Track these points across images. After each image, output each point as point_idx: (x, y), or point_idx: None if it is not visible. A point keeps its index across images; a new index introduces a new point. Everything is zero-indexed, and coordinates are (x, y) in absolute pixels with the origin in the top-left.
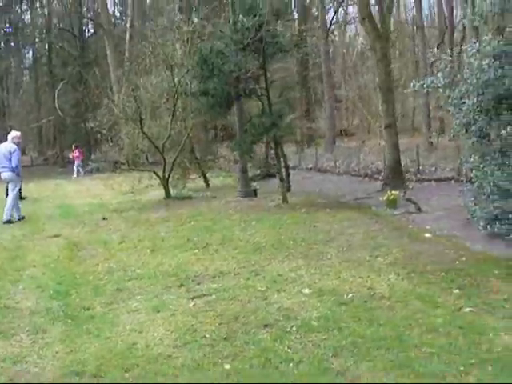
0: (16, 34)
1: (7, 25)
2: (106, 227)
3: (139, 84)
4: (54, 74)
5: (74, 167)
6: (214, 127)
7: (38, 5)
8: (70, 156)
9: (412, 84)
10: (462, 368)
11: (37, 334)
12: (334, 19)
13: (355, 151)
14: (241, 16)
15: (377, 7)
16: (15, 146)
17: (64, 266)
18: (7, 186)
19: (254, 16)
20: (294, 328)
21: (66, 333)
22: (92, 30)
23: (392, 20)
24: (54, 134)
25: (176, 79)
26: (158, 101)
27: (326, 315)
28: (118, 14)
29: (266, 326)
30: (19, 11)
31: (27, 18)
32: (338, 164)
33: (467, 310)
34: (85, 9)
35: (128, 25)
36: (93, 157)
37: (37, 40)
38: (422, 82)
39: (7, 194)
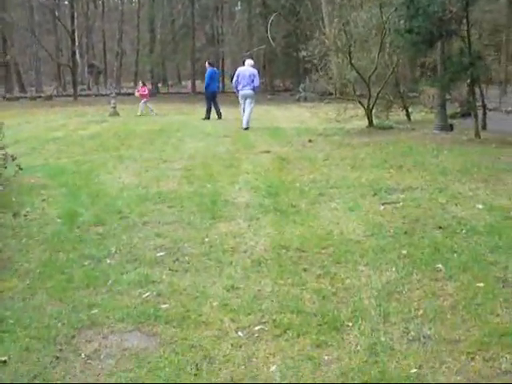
0: None
1: None
2: (312, 147)
3: (349, 19)
4: (267, 5)
5: (140, 104)
6: (421, 65)
7: None
8: (136, 93)
9: None
10: None
11: (251, 220)
12: None
13: None
14: None
15: None
16: (256, 71)
17: (274, 174)
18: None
19: None
20: (464, 231)
21: (275, 221)
22: None
23: None
24: (263, 62)
25: (384, 17)
26: (366, 35)
27: (492, 224)
28: None
29: (440, 227)
30: None
31: None
32: None
33: None
34: None
35: None
36: (302, 86)
37: None
38: None
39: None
